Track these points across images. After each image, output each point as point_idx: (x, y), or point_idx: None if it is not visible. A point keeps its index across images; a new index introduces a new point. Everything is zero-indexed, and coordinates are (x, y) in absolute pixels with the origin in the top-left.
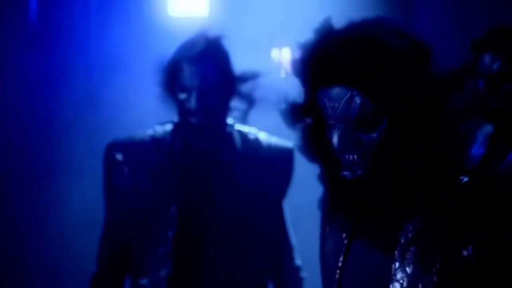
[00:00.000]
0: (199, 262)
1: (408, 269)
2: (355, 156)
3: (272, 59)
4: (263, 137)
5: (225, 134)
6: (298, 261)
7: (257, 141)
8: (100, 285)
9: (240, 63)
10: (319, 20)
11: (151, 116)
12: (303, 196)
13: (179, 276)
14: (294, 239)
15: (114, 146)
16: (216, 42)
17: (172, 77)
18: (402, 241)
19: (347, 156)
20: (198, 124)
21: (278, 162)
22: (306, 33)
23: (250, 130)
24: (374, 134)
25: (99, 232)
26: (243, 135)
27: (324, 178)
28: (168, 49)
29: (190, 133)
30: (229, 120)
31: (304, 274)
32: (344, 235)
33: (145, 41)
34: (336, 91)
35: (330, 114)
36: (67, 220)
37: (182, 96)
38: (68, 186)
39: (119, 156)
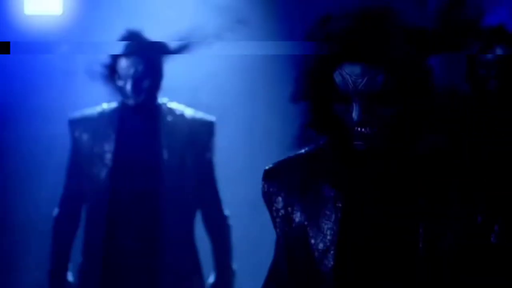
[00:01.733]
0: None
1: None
2: (371, 129)
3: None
4: (189, 111)
5: (156, 110)
6: (226, 212)
7: (182, 115)
8: (60, 223)
9: (88, 60)
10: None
11: None
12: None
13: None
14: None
15: (71, 123)
16: (144, 38)
17: (111, 69)
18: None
19: (363, 129)
20: (133, 104)
21: (200, 129)
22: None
23: (178, 106)
24: (393, 110)
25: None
26: (171, 110)
27: (331, 148)
28: (24, 47)
29: (128, 111)
30: (160, 100)
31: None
32: (337, 205)
33: (1, 39)
34: (361, 67)
35: (350, 89)
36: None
37: (120, 83)
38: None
39: (76, 131)
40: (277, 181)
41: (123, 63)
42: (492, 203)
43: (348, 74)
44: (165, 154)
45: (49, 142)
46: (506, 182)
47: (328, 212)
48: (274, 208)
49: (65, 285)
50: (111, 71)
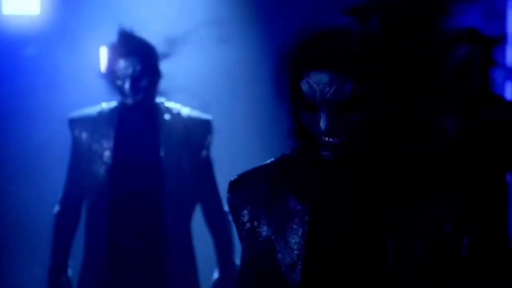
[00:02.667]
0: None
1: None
2: (339, 139)
3: (99, 56)
4: (186, 110)
5: (154, 109)
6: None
7: (179, 114)
8: (60, 220)
9: (69, 59)
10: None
11: None
12: None
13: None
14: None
15: (70, 122)
16: (141, 39)
17: (111, 69)
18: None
19: (331, 139)
20: (131, 103)
21: (197, 128)
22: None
23: (175, 106)
24: (361, 119)
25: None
26: (168, 109)
27: (298, 159)
28: (1, 46)
29: (126, 110)
30: (158, 99)
31: None
32: (304, 219)
33: None
34: (328, 75)
35: (318, 98)
36: None
37: (119, 82)
38: None
39: (76, 130)
40: (243, 193)
41: (121, 63)
42: (461, 215)
43: (316, 82)
44: (163, 152)
45: (45, 141)
46: (476, 192)
47: (295, 226)
48: (240, 221)
49: (65, 281)
50: (109, 71)
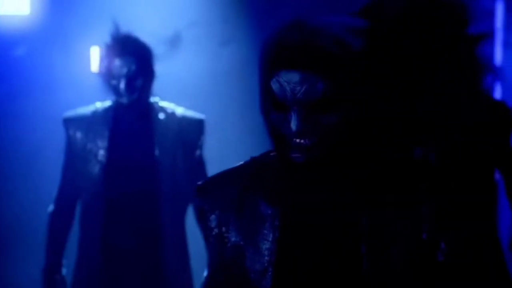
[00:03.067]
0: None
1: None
2: (311, 140)
3: (90, 55)
4: (179, 110)
5: (148, 108)
6: None
7: (173, 113)
8: (55, 220)
9: (59, 58)
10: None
11: None
12: None
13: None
14: None
15: (65, 122)
16: (135, 39)
17: (106, 68)
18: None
19: (302, 140)
20: (126, 103)
21: (190, 128)
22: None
23: (169, 105)
24: (334, 119)
25: None
26: (162, 109)
27: (268, 162)
28: None
29: (121, 109)
30: (152, 99)
31: None
32: (275, 224)
33: None
34: (299, 74)
35: (288, 97)
36: None
37: (114, 82)
38: None
39: (70, 129)
40: (210, 197)
41: (116, 62)
42: (438, 219)
43: (286, 81)
44: (158, 152)
45: (41, 141)
46: (453, 197)
47: (265, 231)
48: (207, 226)
49: (59, 280)
50: (104, 70)
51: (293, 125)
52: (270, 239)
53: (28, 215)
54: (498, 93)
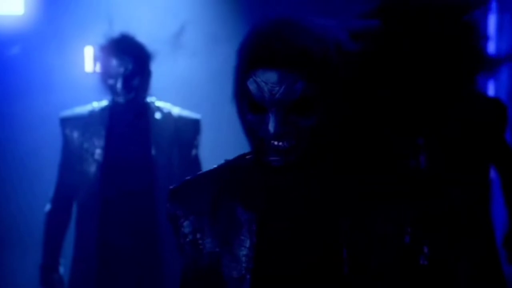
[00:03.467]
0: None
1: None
2: (289, 143)
3: (84, 55)
4: (176, 110)
5: (144, 108)
6: None
7: (169, 113)
8: (52, 218)
9: (53, 58)
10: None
11: None
12: None
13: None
14: None
15: (62, 121)
16: (132, 39)
17: (103, 68)
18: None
19: (280, 143)
20: (123, 102)
21: (186, 127)
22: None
23: (165, 105)
24: (312, 121)
25: None
26: (159, 108)
27: (244, 165)
28: None
29: (118, 109)
30: (149, 98)
31: None
32: (252, 229)
33: None
34: (277, 73)
35: (266, 98)
36: None
37: (111, 81)
38: None
39: (67, 129)
40: (184, 202)
41: (113, 61)
42: (421, 223)
43: (264, 81)
44: (154, 151)
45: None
46: (435, 200)
47: (242, 237)
48: (181, 232)
49: (56, 278)
50: (102, 70)
51: (271, 127)
52: (247, 245)
53: (25, 215)
54: (491, 91)
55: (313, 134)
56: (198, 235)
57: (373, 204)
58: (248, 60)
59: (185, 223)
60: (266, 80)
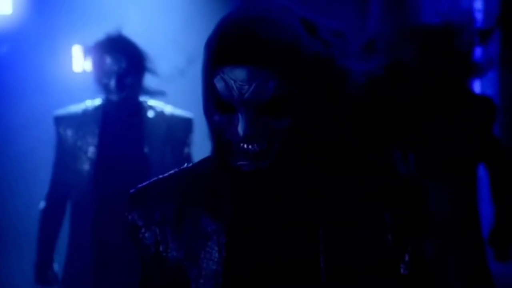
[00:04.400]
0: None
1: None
2: (260, 146)
3: (72, 55)
4: (168, 109)
5: (138, 106)
6: None
7: (162, 112)
8: (46, 216)
9: (41, 58)
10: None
11: None
12: None
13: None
14: None
15: (56, 120)
16: (126, 37)
17: (97, 66)
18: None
19: (250, 146)
20: (116, 100)
21: (178, 126)
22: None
23: (158, 104)
24: (285, 122)
25: None
26: (152, 107)
27: (211, 170)
28: None
29: (111, 107)
30: (142, 97)
31: None
32: (220, 241)
33: None
34: (247, 70)
35: (235, 97)
36: None
37: (104, 79)
38: None
39: (61, 127)
40: (146, 211)
41: (107, 60)
42: (402, 230)
43: (232, 79)
44: (147, 149)
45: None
46: (418, 205)
47: (210, 250)
48: (142, 244)
49: (51, 275)
50: (95, 68)
51: (240, 129)
52: (216, 259)
53: (21, 215)
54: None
55: (286, 136)
56: (161, 247)
57: (351, 210)
58: (215, 55)
59: (147, 234)
60: (234, 77)
